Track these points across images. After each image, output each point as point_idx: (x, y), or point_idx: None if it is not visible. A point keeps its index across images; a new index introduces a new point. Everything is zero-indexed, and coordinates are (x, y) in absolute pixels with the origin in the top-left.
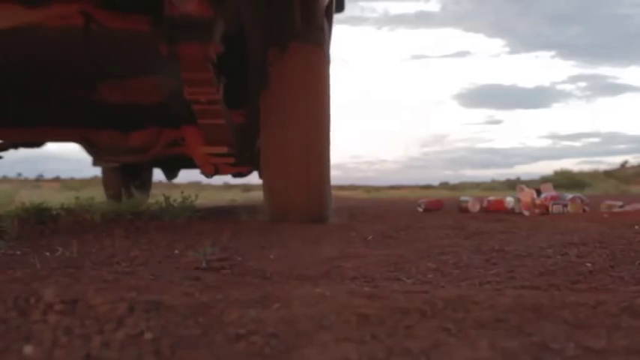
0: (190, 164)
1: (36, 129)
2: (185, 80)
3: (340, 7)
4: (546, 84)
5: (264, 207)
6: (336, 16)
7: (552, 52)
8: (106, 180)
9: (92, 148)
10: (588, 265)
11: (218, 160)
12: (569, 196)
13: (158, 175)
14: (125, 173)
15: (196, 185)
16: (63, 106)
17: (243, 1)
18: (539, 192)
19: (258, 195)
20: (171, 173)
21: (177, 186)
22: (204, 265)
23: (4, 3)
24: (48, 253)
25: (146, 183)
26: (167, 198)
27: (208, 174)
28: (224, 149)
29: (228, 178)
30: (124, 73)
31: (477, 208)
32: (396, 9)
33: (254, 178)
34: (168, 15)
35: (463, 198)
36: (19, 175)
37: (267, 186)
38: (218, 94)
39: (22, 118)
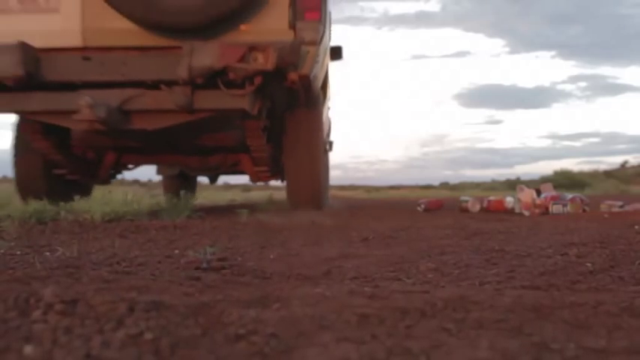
0: (226, 172)
1: (158, 156)
2: (247, 136)
3: (339, 57)
4: (546, 84)
5: (287, 199)
6: (336, 17)
7: (552, 52)
8: (166, 184)
9: (186, 167)
10: (588, 265)
11: (261, 174)
12: (569, 196)
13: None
14: (180, 180)
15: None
16: (176, 144)
17: (276, 93)
18: (539, 192)
19: (258, 195)
20: (213, 179)
21: None
22: (204, 265)
23: (180, 113)
24: (48, 253)
25: (193, 186)
26: (167, 198)
27: (255, 181)
28: (265, 168)
29: (228, 179)
30: (216, 130)
31: (477, 208)
32: (396, 9)
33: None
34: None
35: (463, 198)
36: None
37: (288, 187)
38: (264, 140)
39: (154, 151)
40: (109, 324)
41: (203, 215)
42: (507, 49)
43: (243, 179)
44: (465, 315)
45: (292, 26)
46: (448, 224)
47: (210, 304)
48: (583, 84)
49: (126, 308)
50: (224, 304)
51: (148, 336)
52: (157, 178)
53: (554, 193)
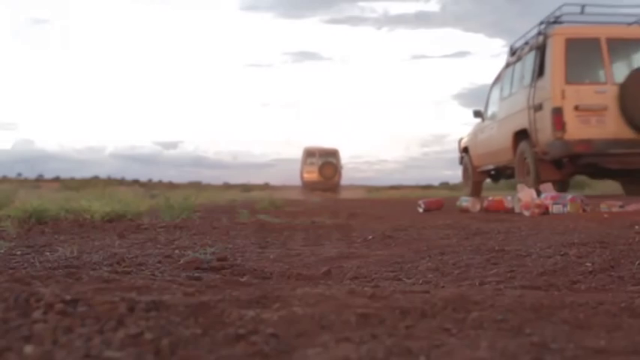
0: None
1: None
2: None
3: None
4: None
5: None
6: (335, 16)
7: None
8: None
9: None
10: (588, 265)
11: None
12: (569, 196)
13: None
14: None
15: (196, 185)
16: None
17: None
18: (539, 192)
19: (258, 195)
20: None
21: (177, 186)
22: (204, 265)
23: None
24: (48, 253)
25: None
26: (167, 198)
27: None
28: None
29: (228, 178)
30: (331, 175)
31: (477, 208)
32: (395, 9)
33: (254, 179)
34: None
35: (463, 198)
36: (19, 175)
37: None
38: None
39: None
40: (109, 324)
41: (203, 215)
42: (507, 49)
43: (243, 179)
44: (465, 315)
45: (338, 175)
46: (448, 224)
47: (210, 304)
48: None
49: (126, 308)
50: (224, 304)
51: (148, 336)
52: (156, 178)
53: (554, 193)
